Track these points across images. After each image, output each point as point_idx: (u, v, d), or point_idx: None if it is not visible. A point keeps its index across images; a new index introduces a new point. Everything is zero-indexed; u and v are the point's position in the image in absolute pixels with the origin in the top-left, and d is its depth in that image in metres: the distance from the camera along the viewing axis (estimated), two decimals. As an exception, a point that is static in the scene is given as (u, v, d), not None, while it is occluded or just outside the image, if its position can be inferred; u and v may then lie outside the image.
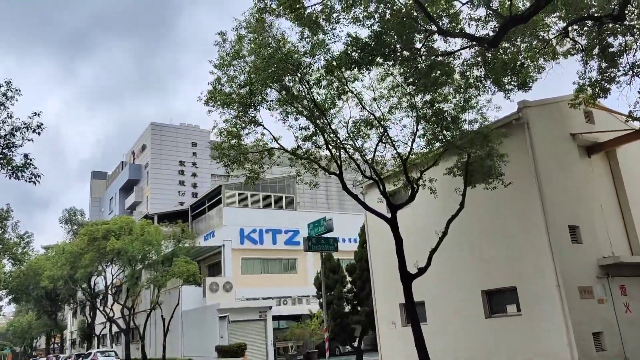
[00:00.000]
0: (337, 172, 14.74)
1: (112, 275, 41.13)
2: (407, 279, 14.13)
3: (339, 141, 14.46)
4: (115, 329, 47.42)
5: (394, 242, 14.60)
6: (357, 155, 15.72)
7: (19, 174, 10.90)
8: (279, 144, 14.84)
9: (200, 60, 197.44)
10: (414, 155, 15.21)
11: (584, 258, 14.68)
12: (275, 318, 36.12)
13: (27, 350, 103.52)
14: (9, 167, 10.85)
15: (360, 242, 23.46)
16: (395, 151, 15.20)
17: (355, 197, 15.76)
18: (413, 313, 13.99)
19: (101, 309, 45.51)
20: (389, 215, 15.32)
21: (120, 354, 42.05)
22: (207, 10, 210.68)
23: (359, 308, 22.78)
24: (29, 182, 11.00)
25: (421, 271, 14.14)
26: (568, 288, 13.81)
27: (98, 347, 49.46)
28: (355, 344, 23.33)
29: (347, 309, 22.70)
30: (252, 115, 14.24)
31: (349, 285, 23.21)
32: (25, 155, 10.98)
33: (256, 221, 43.49)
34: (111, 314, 42.55)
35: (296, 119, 14.17)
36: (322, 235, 18.70)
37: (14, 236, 37.94)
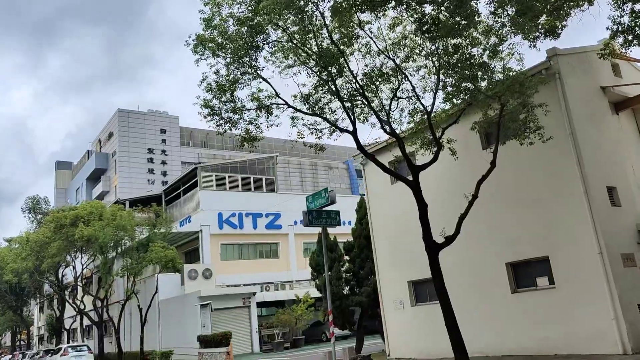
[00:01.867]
0: (350, 130, 12.79)
1: (82, 265, 38.36)
2: (433, 249, 12.37)
3: (356, 85, 12.42)
4: (86, 322, 44.67)
5: (418, 208, 12.79)
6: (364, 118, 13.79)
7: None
8: (281, 98, 12.77)
9: (170, 49, 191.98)
10: (432, 113, 13.37)
11: (623, 222, 13.20)
12: (258, 305, 34.20)
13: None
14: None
15: (358, 218, 21.62)
16: (411, 107, 13.35)
17: (371, 157, 13.81)
18: (442, 289, 12.25)
19: (70, 301, 42.67)
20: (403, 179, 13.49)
21: (93, 348, 39.47)
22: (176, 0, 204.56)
23: (356, 289, 21.01)
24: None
25: (449, 240, 12.39)
26: (610, 255, 12.30)
27: (68, 342, 46.61)
28: (355, 327, 21.58)
29: (346, 290, 20.88)
30: (250, 63, 12.12)
31: (347, 265, 21.38)
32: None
33: (235, 205, 41.25)
34: (81, 307, 39.82)
35: (304, 63, 12.11)
36: (324, 209, 16.76)
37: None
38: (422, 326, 17.05)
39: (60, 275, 46.28)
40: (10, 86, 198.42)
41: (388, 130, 12.83)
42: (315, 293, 36.57)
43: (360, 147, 13.06)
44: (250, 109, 13.12)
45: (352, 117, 12.64)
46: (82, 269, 39.22)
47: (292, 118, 13.55)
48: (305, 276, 43.05)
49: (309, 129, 13.57)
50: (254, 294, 33.12)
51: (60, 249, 33.71)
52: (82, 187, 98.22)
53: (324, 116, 12.94)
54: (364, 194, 26.65)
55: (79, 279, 40.86)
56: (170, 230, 33.59)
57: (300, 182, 48.41)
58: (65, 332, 51.08)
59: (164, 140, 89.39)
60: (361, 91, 12.25)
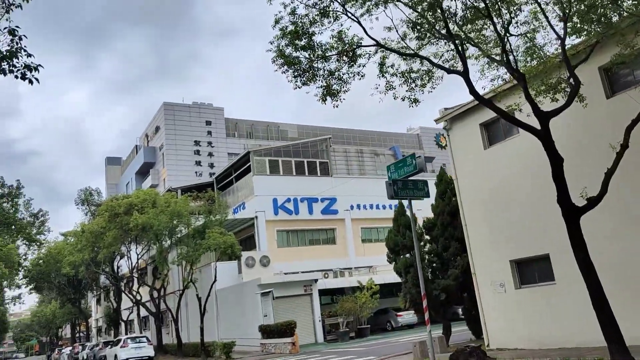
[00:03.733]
0: (461, 70, 10.48)
1: (137, 255, 37.54)
2: (573, 213, 9.95)
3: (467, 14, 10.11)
4: (143, 313, 44.14)
5: (550, 164, 10.37)
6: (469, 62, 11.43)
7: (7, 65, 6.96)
8: (371, 37, 10.58)
9: (215, 45, 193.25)
10: (555, 49, 10.88)
11: None
12: (319, 293, 32.37)
13: (53, 339, 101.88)
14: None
15: (438, 192, 19.22)
16: (529, 44, 10.90)
17: (488, 102, 11.41)
18: (587, 262, 9.81)
19: (127, 292, 42.16)
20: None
21: (151, 339, 38.76)
22: None
23: (437, 273, 18.71)
24: (24, 79, 7.07)
25: (594, 201, 9.93)
26: None
27: (126, 333, 46.32)
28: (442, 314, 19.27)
29: (429, 274, 18.63)
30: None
31: (428, 246, 19.08)
32: (12, 32, 6.96)
33: (289, 189, 39.52)
34: (138, 298, 39.14)
35: None
36: (410, 178, 14.53)
37: (27, 215, 34.38)
38: (530, 312, 14.63)
39: (115, 267, 45.96)
40: (65, 89, 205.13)
41: (506, 70, 10.41)
42: (379, 279, 34.60)
43: (473, 90, 10.73)
44: (332, 55, 10.99)
45: (462, 53, 10.32)
46: (137, 260, 38.45)
47: (381, 65, 11.36)
48: (364, 263, 41.06)
49: (403, 76, 11.33)
50: (316, 280, 31.28)
51: (115, 238, 32.83)
52: (132, 181, 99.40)
53: (426, 56, 10.65)
54: (443, 166, 24.21)
55: (134, 270, 40.20)
56: (226, 217, 32.08)
57: (346, 170, 46.38)
58: (123, 324, 50.99)
59: (209, 132, 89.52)
60: (486, 11, 9.85)
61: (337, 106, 11.13)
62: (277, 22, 10.77)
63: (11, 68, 7.10)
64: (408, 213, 20.15)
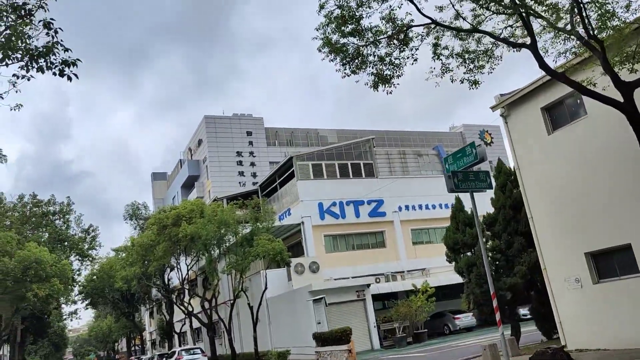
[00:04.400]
0: (528, 43, 9.49)
1: (187, 266, 37.58)
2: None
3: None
4: (195, 324, 44.25)
5: (638, 139, 9.16)
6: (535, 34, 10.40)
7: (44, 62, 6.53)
8: (426, 15, 9.72)
9: (253, 57, 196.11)
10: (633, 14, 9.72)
11: None
12: (372, 298, 31.39)
13: (110, 354, 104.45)
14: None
15: (498, 184, 18.01)
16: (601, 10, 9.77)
17: (562, 77, 10.35)
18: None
19: (178, 304, 42.36)
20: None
21: (205, 350, 38.67)
22: (258, 8, 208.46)
23: (502, 272, 17.48)
24: (62, 75, 6.64)
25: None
26: None
27: (180, 345, 46.54)
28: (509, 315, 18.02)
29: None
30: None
31: (490, 242, 17.89)
32: (47, 25, 6.53)
33: (335, 193, 38.77)
34: (189, 309, 39.19)
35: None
36: (471, 169, 13.51)
37: (79, 231, 34.96)
38: (612, 308, 13.30)
39: (166, 279, 46.36)
40: (111, 110, 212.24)
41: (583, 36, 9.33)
42: (434, 282, 33.32)
43: (543, 64, 9.72)
44: (382, 39, 10.19)
45: (528, 23, 9.32)
46: (187, 271, 38.50)
47: (435, 45, 10.47)
48: (416, 266, 39.75)
49: (460, 57, 10.41)
50: (368, 285, 30.35)
51: (165, 250, 32.93)
52: (178, 195, 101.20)
53: (486, 31, 9.70)
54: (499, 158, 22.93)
55: (185, 282, 40.32)
56: (272, 223, 31.63)
57: (389, 173, 45.32)
58: (176, 336, 51.35)
59: (250, 142, 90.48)
60: None
61: (390, 92, 10.35)
62: (321, 7, 10.09)
63: (49, 65, 6.68)
64: (467, 209, 19.11)
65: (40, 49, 6.50)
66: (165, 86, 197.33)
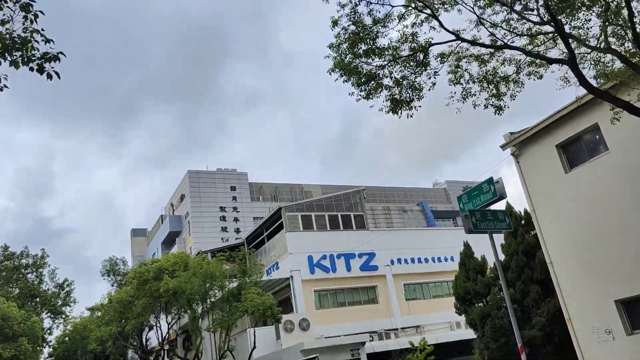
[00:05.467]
0: (566, 58, 8.67)
1: (168, 325, 35.13)
2: None
3: None
4: (174, 389, 41.06)
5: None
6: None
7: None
8: (449, 31, 8.93)
9: (240, 114, 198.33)
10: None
11: None
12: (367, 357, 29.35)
13: None
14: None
15: (512, 226, 16.87)
16: None
17: (608, 96, 9.48)
18: None
19: (157, 367, 39.42)
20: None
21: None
22: (247, 66, 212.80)
23: (519, 324, 16.07)
24: (41, 72, 5.49)
25: None
26: None
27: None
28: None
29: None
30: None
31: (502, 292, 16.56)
32: (25, 6, 5.39)
33: (325, 246, 37.28)
34: (169, 372, 36.41)
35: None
36: (489, 208, 12.44)
37: (52, 286, 32.59)
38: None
39: (144, 340, 43.44)
40: (96, 166, 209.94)
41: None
42: (431, 339, 31.44)
43: (584, 82, 8.88)
44: (401, 57, 9.32)
45: (565, 35, 8.54)
46: (168, 330, 35.99)
47: (456, 67, 9.63)
48: (410, 322, 37.83)
49: (484, 79, 9.55)
50: (363, 343, 28.42)
51: (144, 306, 30.71)
52: (158, 251, 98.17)
53: (528, 51, 8.91)
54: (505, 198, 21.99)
55: (165, 342, 37.65)
56: (261, 277, 29.88)
57: (375, 227, 44.24)
58: (153, 402, 47.65)
59: (234, 198, 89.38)
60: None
61: (411, 116, 9.33)
62: (335, 23, 9.24)
63: (25, 59, 5.53)
64: (477, 255, 17.89)
65: (16, 38, 5.38)
66: (152, 142, 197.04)
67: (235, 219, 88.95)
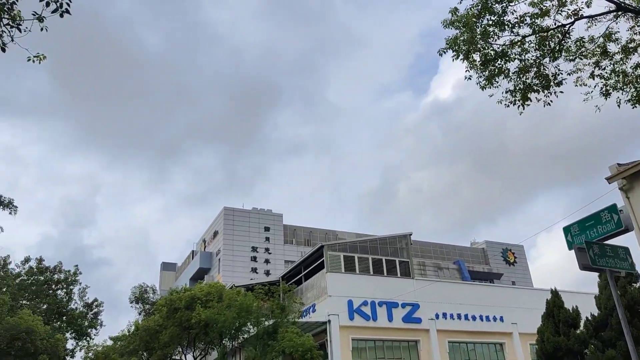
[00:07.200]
0: None
1: (195, 359, 32.93)
2: None
3: None
4: None
5: None
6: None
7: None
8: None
9: (282, 162, 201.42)
10: None
11: None
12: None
13: None
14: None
15: (603, 279, 14.56)
16: None
17: None
18: None
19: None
20: None
21: None
22: (293, 116, 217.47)
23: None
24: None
25: None
26: None
27: None
28: None
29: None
30: None
31: (604, 352, 14.01)
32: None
33: (366, 291, 34.86)
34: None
35: None
36: (608, 242, 10.30)
37: (81, 305, 31.09)
38: None
39: (166, 375, 41.16)
40: (137, 200, 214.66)
41: None
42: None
43: None
44: (542, 31, 7.64)
45: None
46: (194, 364, 33.74)
47: (602, 52, 7.85)
48: (452, 384, 34.67)
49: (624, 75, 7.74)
50: (407, 401, 25.51)
51: (172, 336, 28.76)
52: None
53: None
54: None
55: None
56: (299, 316, 27.68)
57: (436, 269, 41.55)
58: None
59: (267, 238, 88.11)
60: None
61: (549, 103, 7.55)
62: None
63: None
64: (568, 305, 15.49)
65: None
66: (194, 181, 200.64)
67: (267, 261, 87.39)
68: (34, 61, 6.16)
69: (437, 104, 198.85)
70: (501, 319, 38.30)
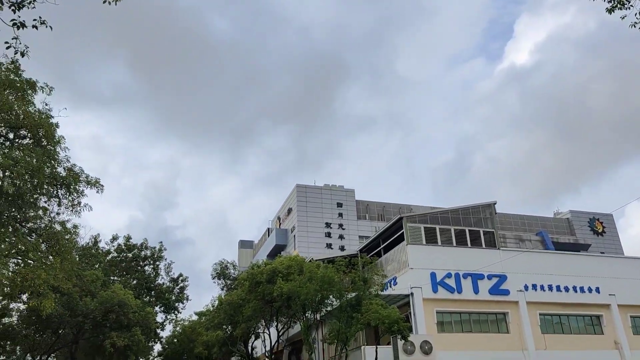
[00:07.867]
0: None
1: (278, 333, 33.19)
2: None
3: None
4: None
5: None
6: None
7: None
8: None
9: (353, 136, 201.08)
10: None
11: None
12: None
13: None
14: None
15: None
16: None
17: None
18: None
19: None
20: None
21: None
22: (362, 91, 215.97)
23: None
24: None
25: None
26: None
27: None
28: None
29: None
30: None
31: None
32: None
33: (449, 263, 33.47)
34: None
35: None
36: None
37: (167, 280, 32.12)
38: None
39: (249, 348, 42.08)
40: (215, 182, 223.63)
41: None
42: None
43: None
44: None
45: None
46: (278, 338, 34.02)
47: None
48: (546, 358, 32.78)
49: None
50: (501, 376, 24.21)
51: (255, 310, 28.98)
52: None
53: None
54: None
55: (272, 352, 35.77)
56: (382, 288, 26.93)
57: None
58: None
59: (340, 214, 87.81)
60: None
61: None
62: None
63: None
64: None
65: None
66: (267, 161, 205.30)
67: (341, 236, 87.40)
68: (37, 28, 5.79)
69: (513, 69, 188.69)
70: (597, 290, 35.69)
